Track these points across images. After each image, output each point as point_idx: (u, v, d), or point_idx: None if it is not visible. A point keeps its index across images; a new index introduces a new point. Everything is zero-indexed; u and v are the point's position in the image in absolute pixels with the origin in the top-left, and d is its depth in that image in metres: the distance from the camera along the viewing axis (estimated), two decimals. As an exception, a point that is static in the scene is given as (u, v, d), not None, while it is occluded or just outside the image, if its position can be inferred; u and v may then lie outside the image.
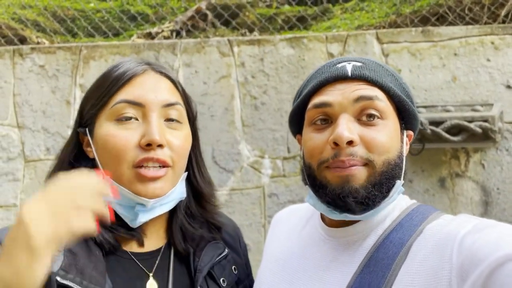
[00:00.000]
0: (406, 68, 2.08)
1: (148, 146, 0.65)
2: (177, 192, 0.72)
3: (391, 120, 0.65)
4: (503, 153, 1.99)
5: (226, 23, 2.47)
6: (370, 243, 0.63)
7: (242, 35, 2.38)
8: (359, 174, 0.61)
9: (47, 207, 0.48)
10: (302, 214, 0.82)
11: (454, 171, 2.00)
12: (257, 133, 2.09)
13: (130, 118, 0.67)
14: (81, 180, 0.53)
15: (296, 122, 0.74)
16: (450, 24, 2.24)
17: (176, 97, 0.73)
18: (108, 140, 0.67)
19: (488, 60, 2.07)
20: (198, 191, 0.79)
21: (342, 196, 0.60)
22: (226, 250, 0.79)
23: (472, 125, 1.82)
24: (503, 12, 2.24)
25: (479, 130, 1.81)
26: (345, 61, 0.67)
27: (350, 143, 0.60)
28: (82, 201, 0.50)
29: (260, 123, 2.10)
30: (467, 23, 2.22)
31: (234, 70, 2.12)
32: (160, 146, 0.66)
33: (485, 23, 2.21)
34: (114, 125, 0.67)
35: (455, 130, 1.85)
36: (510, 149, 1.99)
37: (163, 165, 0.68)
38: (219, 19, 2.47)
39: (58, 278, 0.57)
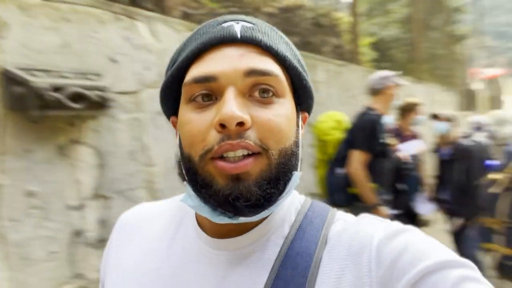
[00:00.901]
0: (17, 24, 1.81)
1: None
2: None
3: (288, 99, 0.52)
4: (113, 120, 2.23)
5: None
6: (272, 255, 0.52)
7: None
8: (252, 169, 0.47)
9: None
10: (168, 217, 0.62)
11: (72, 138, 2.03)
12: None
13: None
14: None
15: (170, 99, 0.55)
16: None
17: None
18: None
19: (96, 32, 2.19)
20: None
21: (232, 199, 0.46)
22: None
23: (91, 93, 1.91)
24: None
25: (97, 98, 1.93)
26: (232, 20, 0.52)
27: (241, 124, 0.45)
28: None
29: None
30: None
31: None
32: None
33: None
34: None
35: (75, 97, 1.87)
36: (117, 116, 2.26)
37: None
38: None
39: None
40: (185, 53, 0.51)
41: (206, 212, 0.49)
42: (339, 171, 2.66)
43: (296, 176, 0.51)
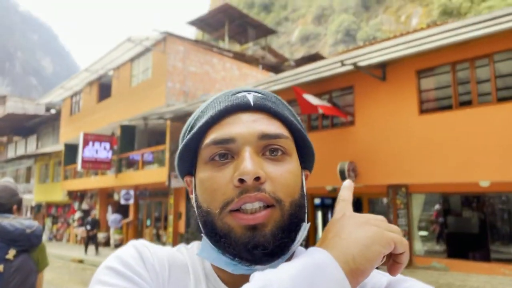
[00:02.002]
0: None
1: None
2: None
3: (294, 157, 0.58)
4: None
5: None
6: None
7: None
8: (268, 220, 0.52)
9: None
10: (184, 266, 0.60)
11: None
12: None
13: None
14: None
15: (186, 161, 0.61)
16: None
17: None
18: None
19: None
20: None
21: (250, 248, 0.51)
22: None
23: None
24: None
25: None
26: (245, 91, 0.60)
27: (258, 179, 0.51)
28: None
29: None
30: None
31: None
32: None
33: None
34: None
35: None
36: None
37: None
38: None
39: None
40: (203, 119, 0.58)
41: (223, 263, 0.54)
42: None
43: (305, 226, 0.57)
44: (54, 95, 20.75)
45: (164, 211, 15.41)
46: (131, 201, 16.18)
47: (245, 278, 0.52)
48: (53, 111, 25.13)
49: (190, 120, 0.63)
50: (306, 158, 0.64)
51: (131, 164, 15.99)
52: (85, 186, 18.24)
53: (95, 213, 16.73)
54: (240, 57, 17.31)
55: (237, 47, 22.26)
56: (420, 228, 9.66)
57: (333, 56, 12.28)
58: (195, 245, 0.64)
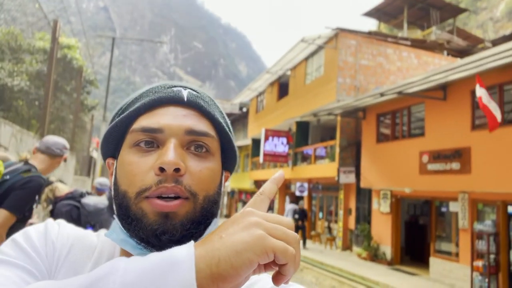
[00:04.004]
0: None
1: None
2: None
3: (216, 157, 0.61)
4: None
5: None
6: None
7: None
8: (180, 210, 0.54)
9: None
10: (90, 248, 0.64)
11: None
12: None
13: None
14: None
15: (111, 143, 0.63)
16: None
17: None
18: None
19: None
20: None
21: (158, 233, 0.53)
22: None
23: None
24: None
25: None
26: (181, 86, 0.63)
27: (177, 170, 0.54)
28: None
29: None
30: None
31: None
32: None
33: None
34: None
35: None
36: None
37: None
38: None
39: None
40: (136, 105, 0.60)
41: (129, 246, 0.56)
42: None
43: (215, 222, 0.59)
44: (243, 96, 23.62)
45: (335, 205, 15.63)
46: (305, 193, 17.01)
47: None
48: (244, 110, 28.71)
49: (122, 104, 0.64)
50: (228, 160, 0.66)
51: (305, 158, 16.82)
52: (268, 177, 20.11)
53: (302, 203, 16.47)
54: (419, 44, 15.80)
55: (416, 34, 20.36)
56: None
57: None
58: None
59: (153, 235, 0.53)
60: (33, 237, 0.59)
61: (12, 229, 2.16)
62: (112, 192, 0.60)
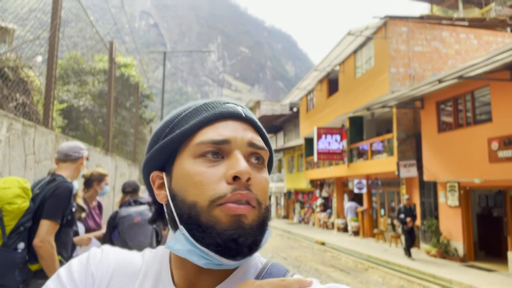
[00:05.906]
0: None
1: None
2: None
3: (266, 168, 0.66)
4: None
5: None
6: None
7: None
8: (250, 215, 0.57)
9: None
10: (134, 271, 0.66)
11: None
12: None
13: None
14: None
15: (164, 155, 0.64)
16: None
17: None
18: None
19: None
20: None
21: (236, 237, 0.55)
22: None
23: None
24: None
25: None
26: (233, 103, 0.67)
27: (249, 180, 0.57)
28: None
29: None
30: None
31: None
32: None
33: None
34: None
35: None
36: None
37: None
38: None
39: None
40: (196, 119, 0.63)
41: (196, 256, 0.57)
42: (21, 245, 2.23)
43: (270, 230, 0.62)
44: (293, 96, 23.51)
45: (397, 201, 14.97)
46: (364, 190, 16.51)
47: (198, 283, 0.61)
48: (294, 110, 28.60)
49: (171, 118, 0.66)
50: (269, 169, 0.70)
51: (361, 154, 16.33)
52: (323, 176, 19.87)
53: (408, 198, 13.08)
54: (478, 23, 14.68)
55: (474, 13, 18.95)
56: None
57: None
58: (160, 248, 0.68)
59: (231, 239, 0.55)
60: (74, 271, 0.63)
61: (60, 234, 2.39)
62: (171, 205, 0.61)
